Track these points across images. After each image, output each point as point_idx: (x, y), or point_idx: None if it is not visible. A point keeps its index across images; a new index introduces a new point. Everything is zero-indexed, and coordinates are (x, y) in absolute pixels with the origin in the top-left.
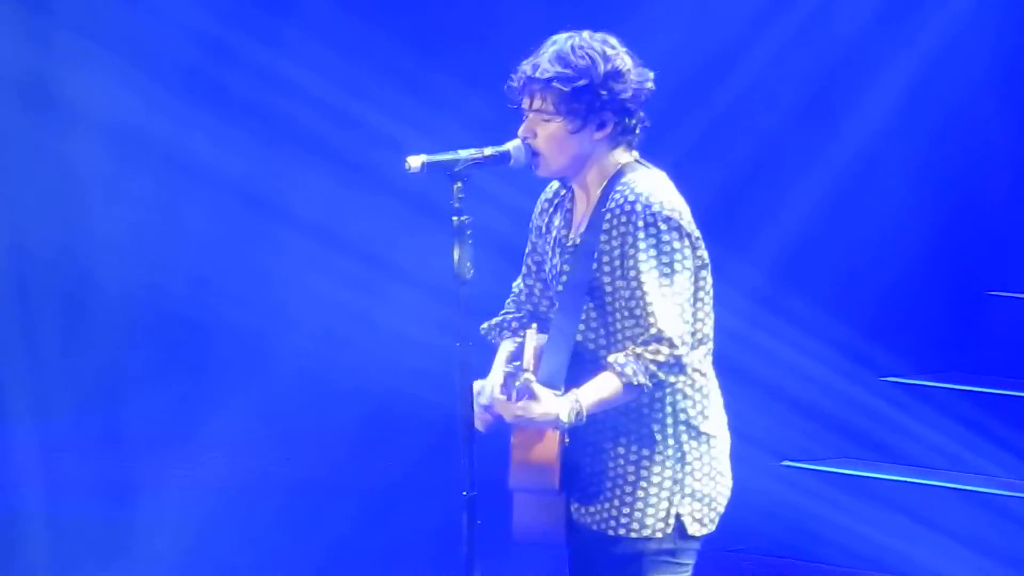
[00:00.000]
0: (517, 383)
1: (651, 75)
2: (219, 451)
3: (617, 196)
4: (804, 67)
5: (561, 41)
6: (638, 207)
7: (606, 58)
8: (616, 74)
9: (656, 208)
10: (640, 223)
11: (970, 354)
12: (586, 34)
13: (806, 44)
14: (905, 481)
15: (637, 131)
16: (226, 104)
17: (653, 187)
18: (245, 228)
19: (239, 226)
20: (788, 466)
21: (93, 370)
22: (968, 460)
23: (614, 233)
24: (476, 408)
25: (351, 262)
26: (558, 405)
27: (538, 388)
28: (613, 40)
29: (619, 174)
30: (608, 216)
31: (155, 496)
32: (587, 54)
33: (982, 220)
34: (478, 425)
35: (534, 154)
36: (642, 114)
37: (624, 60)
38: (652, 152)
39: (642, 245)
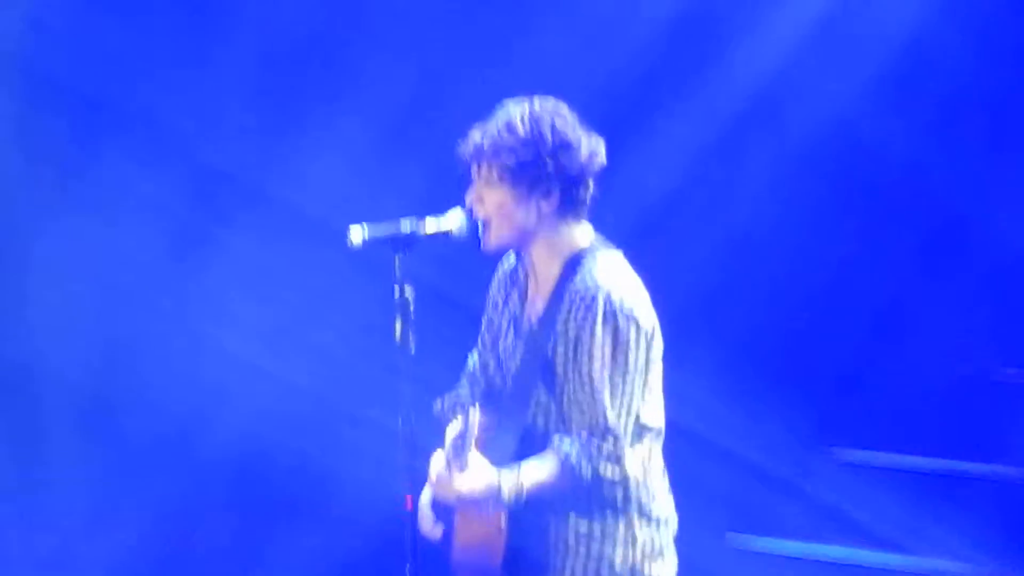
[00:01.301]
0: (459, 459)
1: (602, 146)
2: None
3: (577, 285)
4: None
5: (511, 109)
6: (599, 299)
7: (555, 129)
8: (565, 146)
9: (616, 303)
10: (599, 316)
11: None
12: (537, 102)
13: None
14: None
15: (586, 203)
16: None
17: (614, 278)
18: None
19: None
20: (735, 538)
21: None
22: (913, 540)
23: (571, 323)
24: (424, 514)
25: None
26: (500, 479)
27: (480, 462)
28: (564, 110)
29: (578, 257)
30: (567, 305)
31: None
32: (536, 124)
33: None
34: (426, 531)
35: (480, 224)
36: (591, 184)
37: (575, 131)
38: None
39: (598, 340)
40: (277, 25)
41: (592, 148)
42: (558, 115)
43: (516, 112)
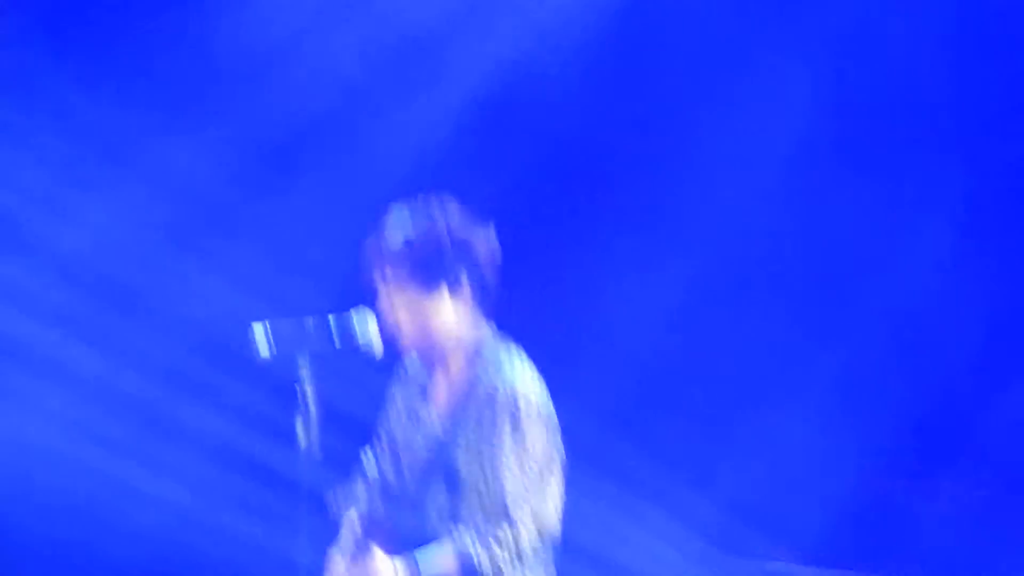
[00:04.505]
0: (359, 551)
1: (492, 234)
2: None
3: (480, 381)
4: None
5: (406, 211)
6: (501, 395)
7: (453, 226)
8: (465, 240)
9: (520, 398)
10: (501, 410)
11: (848, 544)
12: (431, 201)
13: None
14: None
15: (491, 295)
16: None
17: (516, 373)
18: None
19: None
20: None
21: None
22: None
23: (475, 418)
24: None
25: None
26: (397, 566)
27: (380, 554)
28: (455, 205)
29: (479, 352)
30: (470, 401)
31: None
32: (432, 217)
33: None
34: None
35: (389, 327)
36: (494, 277)
37: (470, 225)
38: None
39: (502, 432)
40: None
41: (490, 239)
42: (452, 211)
43: (410, 211)
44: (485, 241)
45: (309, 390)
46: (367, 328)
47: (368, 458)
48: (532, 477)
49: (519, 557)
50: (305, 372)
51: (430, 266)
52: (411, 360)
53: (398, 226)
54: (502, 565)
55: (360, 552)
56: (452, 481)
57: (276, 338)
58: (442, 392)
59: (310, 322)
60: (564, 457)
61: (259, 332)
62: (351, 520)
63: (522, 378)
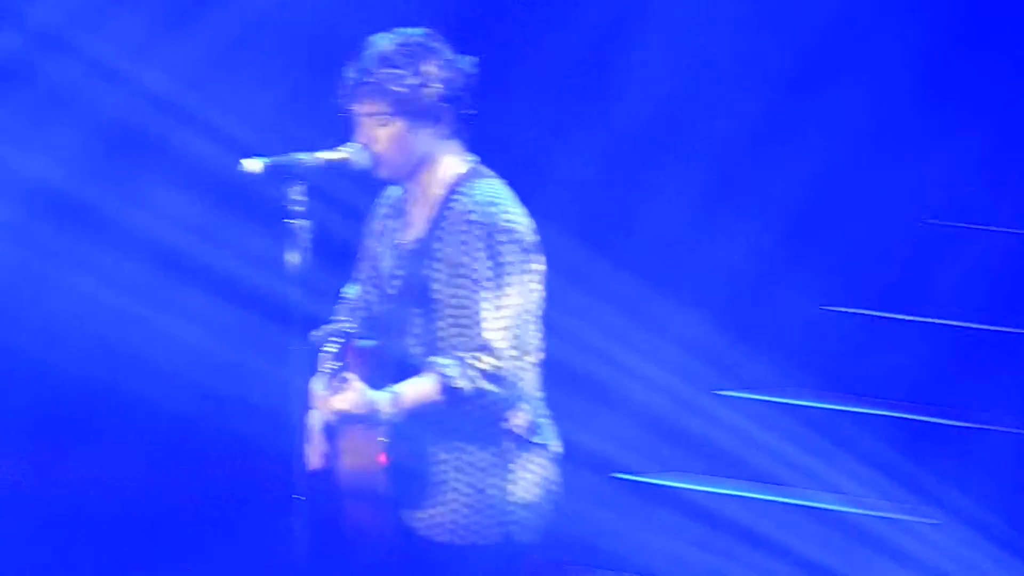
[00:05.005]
0: (337, 380)
1: (475, 62)
2: None
3: (456, 203)
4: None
5: (383, 41)
6: (476, 215)
7: (432, 51)
8: (445, 68)
9: (495, 218)
10: (477, 232)
11: (804, 369)
12: (405, 32)
13: None
14: (737, 495)
15: (468, 123)
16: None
17: (493, 196)
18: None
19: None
20: (618, 478)
21: None
22: (796, 475)
23: (450, 240)
24: (314, 438)
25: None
26: (378, 396)
27: (357, 382)
28: (433, 34)
29: (459, 181)
30: (446, 223)
31: None
32: (412, 50)
33: (817, 233)
34: (310, 455)
35: (373, 158)
36: (473, 104)
37: (449, 53)
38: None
39: (477, 254)
40: None
41: (468, 67)
42: (430, 39)
43: (389, 43)
44: (467, 74)
45: (300, 223)
46: (356, 161)
47: (351, 289)
48: (509, 301)
49: (501, 382)
50: (295, 206)
51: (411, 98)
52: (392, 190)
53: (378, 58)
54: (485, 391)
55: (341, 385)
56: (428, 305)
57: (267, 173)
58: (420, 219)
59: (300, 157)
60: (544, 287)
61: (250, 166)
62: (332, 352)
63: (501, 204)
